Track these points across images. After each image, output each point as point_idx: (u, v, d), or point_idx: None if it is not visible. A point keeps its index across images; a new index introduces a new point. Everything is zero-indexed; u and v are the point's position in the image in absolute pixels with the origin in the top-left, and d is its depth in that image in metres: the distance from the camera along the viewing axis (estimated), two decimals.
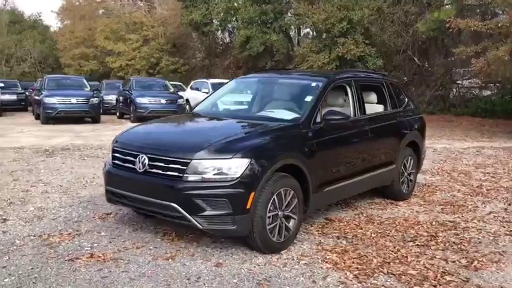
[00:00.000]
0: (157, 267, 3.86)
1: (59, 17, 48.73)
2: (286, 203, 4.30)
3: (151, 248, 4.29)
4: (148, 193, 4.09)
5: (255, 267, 3.95)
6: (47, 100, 15.16)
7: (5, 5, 58.71)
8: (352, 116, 5.41)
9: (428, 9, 20.81)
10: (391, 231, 5.01)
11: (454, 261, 4.23)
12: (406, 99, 6.62)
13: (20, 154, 9.21)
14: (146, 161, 4.13)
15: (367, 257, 4.25)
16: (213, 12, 29.88)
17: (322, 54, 20.98)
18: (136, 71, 38.48)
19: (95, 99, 15.91)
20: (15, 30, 44.79)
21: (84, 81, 17.99)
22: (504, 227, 5.31)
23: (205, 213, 3.86)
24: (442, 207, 6.07)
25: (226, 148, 4.02)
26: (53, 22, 51.87)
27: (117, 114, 19.22)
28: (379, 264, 4.11)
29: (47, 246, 4.28)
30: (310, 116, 4.71)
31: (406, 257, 4.30)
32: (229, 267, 3.91)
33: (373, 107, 6.21)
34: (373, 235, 4.87)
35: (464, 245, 4.66)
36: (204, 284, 3.59)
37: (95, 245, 4.34)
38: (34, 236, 4.55)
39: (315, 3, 21.58)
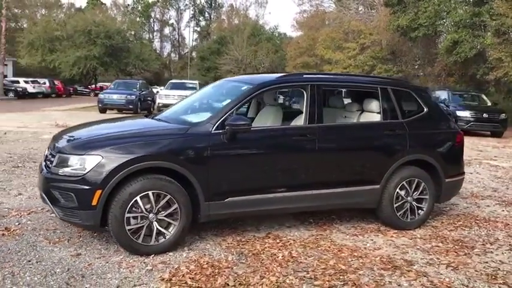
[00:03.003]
0: (29, 247, 4.31)
1: (293, 29, 52.84)
2: (159, 206, 4.23)
3: (58, 232, 4.77)
4: (39, 183, 4.59)
5: (101, 263, 4.05)
6: None
7: (257, 20, 66.63)
8: (303, 124, 4.88)
9: None
10: (307, 259, 4.35)
11: None
12: (426, 109, 5.45)
13: None
14: (46, 153, 4.65)
15: (220, 277, 3.87)
16: (422, 17, 28.12)
17: None
18: None
19: None
20: (253, 42, 50.28)
21: None
22: (469, 279, 4.02)
23: (60, 204, 4.15)
24: (438, 244, 4.88)
25: (83, 145, 4.22)
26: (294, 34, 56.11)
27: None
28: (219, 285, 3.72)
29: (0, 217, 5.18)
30: (213, 121, 4.48)
31: (262, 285, 3.76)
32: (79, 258, 4.12)
33: (368, 117, 5.40)
34: (279, 259, 4.31)
35: None
36: (29, 266, 3.90)
37: (28, 222, 5.04)
38: (11, 209, 5.50)
39: None
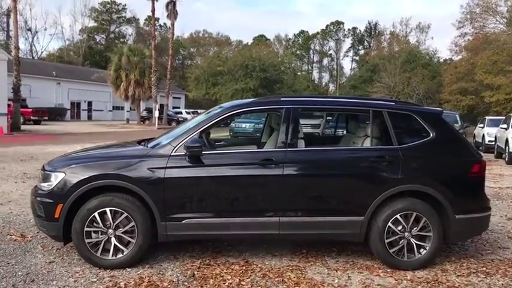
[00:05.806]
0: (22, 252, 4.91)
1: (452, 53, 49.41)
2: (116, 223, 4.48)
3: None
4: None
5: (60, 271, 4.43)
6: None
7: (418, 46, 64.02)
8: (274, 148, 4.73)
9: None
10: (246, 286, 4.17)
11: None
12: (432, 134, 4.77)
13: None
14: None
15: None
16: None
17: None
18: None
19: None
20: (408, 69, 48.21)
21: (457, 117, 18.40)
22: None
23: (36, 215, 4.67)
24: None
25: (56, 164, 4.70)
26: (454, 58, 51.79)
27: (495, 153, 18.13)
28: None
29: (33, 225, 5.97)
30: (174, 143, 4.60)
31: None
32: (49, 265, 4.56)
33: (368, 142, 5.00)
34: (223, 285, 4.21)
35: None
36: (4, 267, 4.46)
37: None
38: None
39: None
